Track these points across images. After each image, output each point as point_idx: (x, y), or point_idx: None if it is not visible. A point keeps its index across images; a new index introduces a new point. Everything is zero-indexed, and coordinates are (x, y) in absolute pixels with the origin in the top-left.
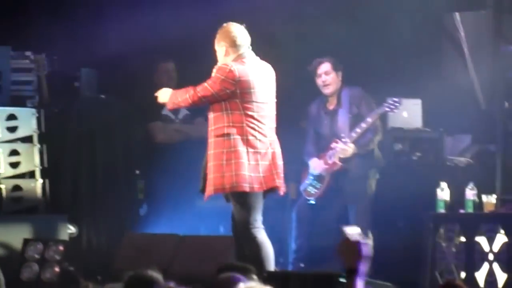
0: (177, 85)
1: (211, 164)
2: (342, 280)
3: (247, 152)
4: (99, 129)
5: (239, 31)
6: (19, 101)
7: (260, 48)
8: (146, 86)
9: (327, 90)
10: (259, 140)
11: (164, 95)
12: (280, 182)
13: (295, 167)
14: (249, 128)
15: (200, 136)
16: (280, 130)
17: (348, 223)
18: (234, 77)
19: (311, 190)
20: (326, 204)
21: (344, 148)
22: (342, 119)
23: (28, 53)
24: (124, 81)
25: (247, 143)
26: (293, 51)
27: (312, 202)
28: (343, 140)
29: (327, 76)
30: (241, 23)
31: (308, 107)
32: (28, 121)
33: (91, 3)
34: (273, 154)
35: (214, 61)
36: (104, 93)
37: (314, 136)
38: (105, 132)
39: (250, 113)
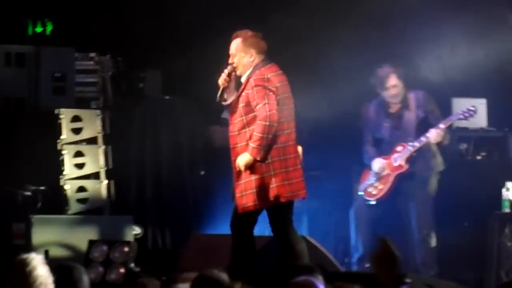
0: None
1: (253, 179)
2: (408, 280)
3: (280, 160)
4: (163, 130)
5: (262, 39)
6: (83, 103)
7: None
8: (207, 87)
9: (395, 100)
10: (289, 146)
11: (243, 158)
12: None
13: (358, 168)
14: (281, 135)
15: None
16: (338, 132)
17: (409, 223)
18: (273, 83)
19: (372, 190)
20: (385, 204)
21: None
22: (409, 123)
23: (92, 55)
24: (188, 81)
25: (282, 151)
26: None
27: (373, 202)
28: (410, 144)
29: (395, 88)
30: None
31: (363, 108)
32: (92, 122)
33: (155, 5)
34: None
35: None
36: (169, 94)
37: (372, 138)
38: (169, 132)
39: (282, 120)
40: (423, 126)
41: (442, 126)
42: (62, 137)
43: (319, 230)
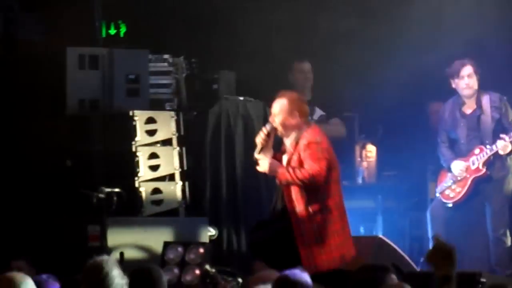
0: (312, 87)
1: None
2: (483, 280)
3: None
4: (238, 131)
5: (305, 102)
6: (158, 104)
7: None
8: (283, 86)
9: (468, 92)
10: (343, 206)
11: (271, 166)
12: None
13: (432, 167)
14: (337, 194)
15: (336, 137)
16: (413, 131)
17: (485, 223)
18: (325, 145)
19: (450, 193)
20: (462, 205)
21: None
22: (485, 125)
23: (166, 56)
24: (262, 82)
25: (341, 210)
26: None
27: (450, 205)
28: (488, 147)
29: (470, 78)
30: None
31: (431, 107)
32: (167, 124)
33: (227, 7)
34: None
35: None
36: (243, 95)
37: (447, 139)
38: (244, 134)
39: (336, 181)
40: (500, 128)
41: (493, 148)
42: (136, 138)
43: (394, 229)
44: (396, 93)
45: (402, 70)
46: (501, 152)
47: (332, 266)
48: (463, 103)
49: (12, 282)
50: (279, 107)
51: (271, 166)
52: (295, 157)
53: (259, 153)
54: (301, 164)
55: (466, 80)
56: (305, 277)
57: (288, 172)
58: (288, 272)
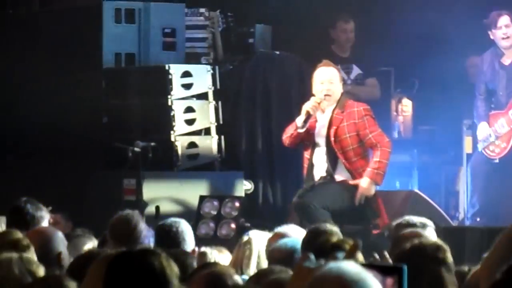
0: (353, 47)
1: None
2: None
3: None
4: (274, 86)
5: None
6: (194, 58)
7: None
8: (322, 43)
9: (507, 43)
10: None
11: (370, 187)
12: None
13: (468, 121)
14: None
15: (370, 98)
16: (449, 85)
17: None
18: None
19: (495, 149)
20: (504, 160)
21: None
22: None
23: (202, 10)
24: (299, 37)
25: None
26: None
27: (496, 161)
28: None
29: (507, 28)
30: None
31: (469, 61)
32: (203, 78)
33: None
34: None
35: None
36: (279, 49)
37: (485, 91)
38: (280, 88)
39: None
40: None
41: None
42: (172, 92)
43: (429, 184)
44: (431, 46)
45: (437, 23)
46: None
47: None
48: (502, 54)
49: (43, 236)
50: (333, 75)
51: (370, 184)
52: (346, 124)
53: (304, 122)
54: (359, 128)
55: (504, 30)
56: (334, 229)
57: (376, 172)
58: (318, 224)
